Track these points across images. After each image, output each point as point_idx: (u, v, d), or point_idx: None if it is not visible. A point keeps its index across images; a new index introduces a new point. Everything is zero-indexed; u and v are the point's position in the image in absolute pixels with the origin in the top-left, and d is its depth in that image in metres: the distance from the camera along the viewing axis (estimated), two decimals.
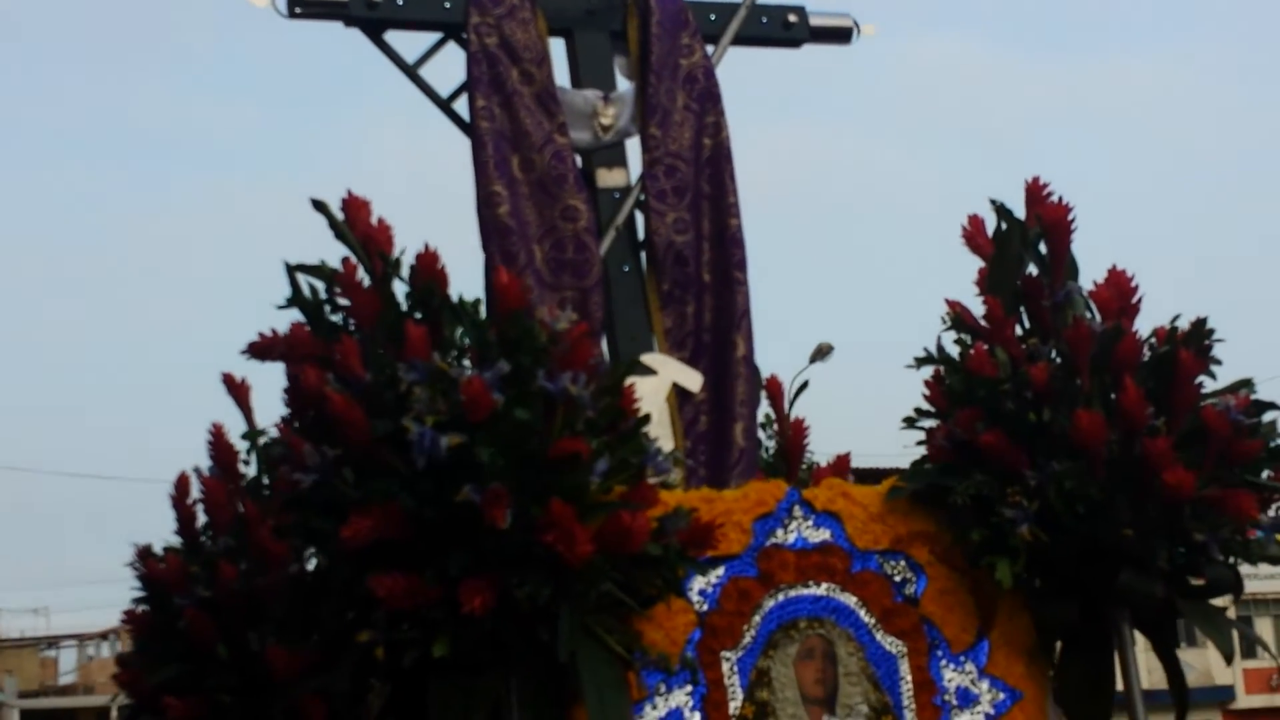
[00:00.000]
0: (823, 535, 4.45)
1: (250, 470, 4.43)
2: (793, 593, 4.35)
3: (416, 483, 3.43)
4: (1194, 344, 4.46)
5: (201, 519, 4.37)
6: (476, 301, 3.71)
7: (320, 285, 3.69)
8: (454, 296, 3.71)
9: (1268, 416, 4.51)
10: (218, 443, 4.32)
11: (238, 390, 4.41)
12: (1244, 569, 4.57)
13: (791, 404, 5.43)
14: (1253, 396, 4.49)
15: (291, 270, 3.67)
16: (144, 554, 4.33)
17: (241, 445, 4.42)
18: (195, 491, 4.37)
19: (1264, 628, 43.70)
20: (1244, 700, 41.23)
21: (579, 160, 5.33)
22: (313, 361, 3.52)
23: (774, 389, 5.21)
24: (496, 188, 5.05)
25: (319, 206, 3.68)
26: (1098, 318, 4.53)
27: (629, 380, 3.78)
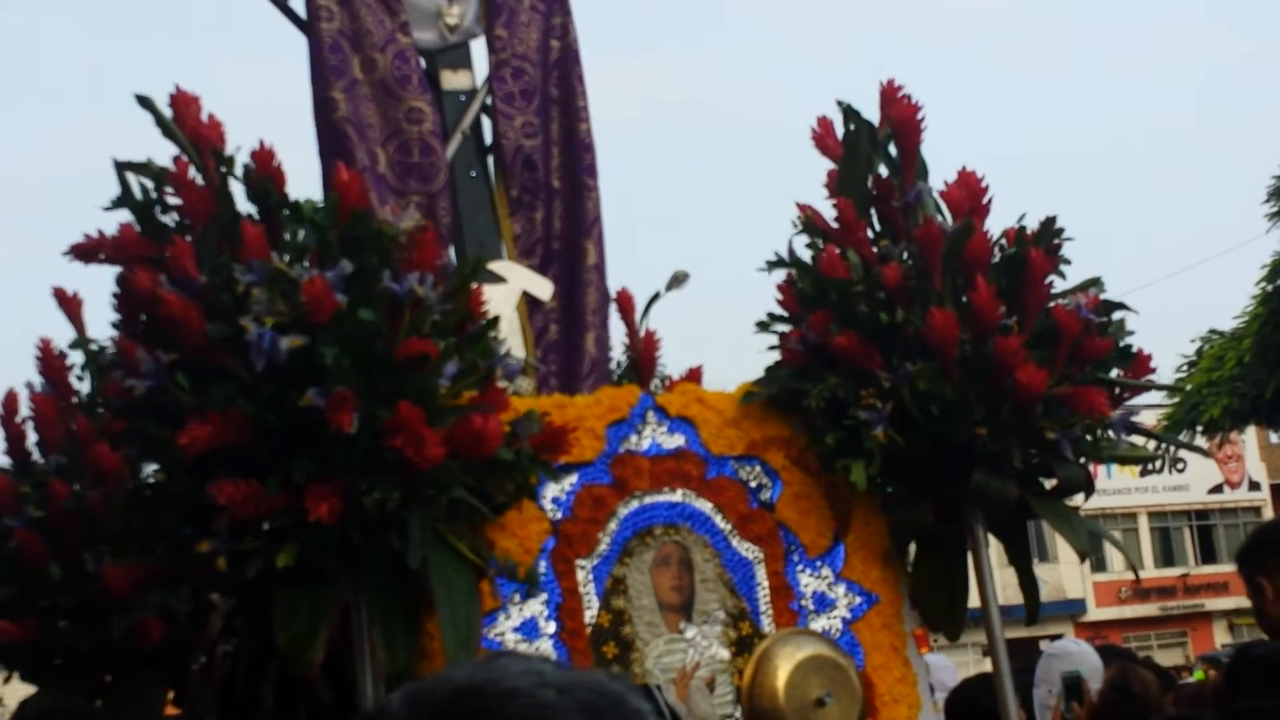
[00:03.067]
0: (677, 441, 4.41)
1: (85, 387, 4.27)
2: (648, 499, 4.30)
3: (257, 387, 3.29)
4: (1044, 243, 4.45)
5: (32, 437, 4.21)
6: (316, 201, 3.57)
7: (151, 185, 3.52)
8: (294, 198, 3.57)
9: (1117, 315, 4.53)
10: (46, 358, 4.15)
11: (69, 304, 4.25)
12: (1096, 486, 4.61)
13: (643, 318, 5.36)
14: (1102, 295, 4.51)
15: (120, 168, 3.49)
16: None
17: (77, 361, 4.26)
18: (25, 409, 4.21)
19: None
20: (1095, 613, 42.33)
21: (423, 61, 5.16)
22: (144, 263, 3.36)
23: (624, 302, 5.13)
24: (334, 92, 4.88)
25: (144, 103, 3.50)
26: (949, 218, 4.51)
27: (476, 283, 3.68)
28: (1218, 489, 47.60)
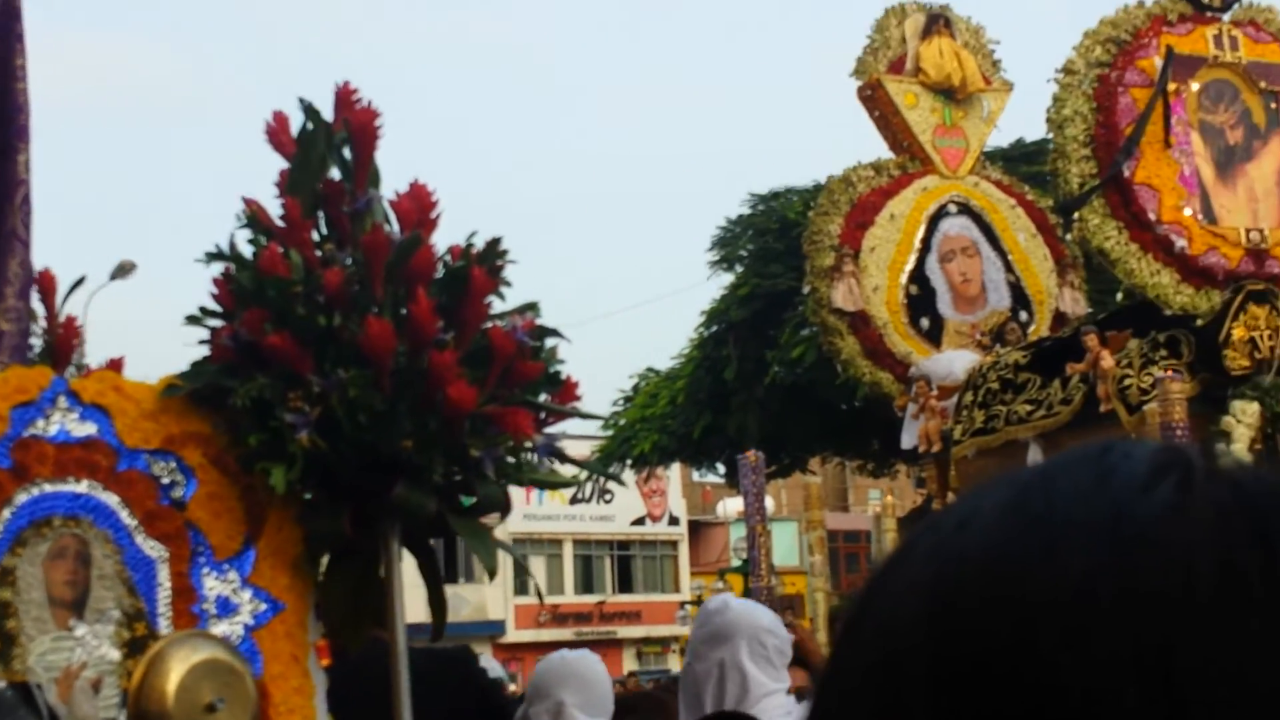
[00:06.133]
0: (88, 429, 4.16)
1: None
2: (49, 488, 4.04)
3: None
4: (487, 262, 4.49)
5: None
6: None
7: None
8: None
9: (550, 341, 4.62)
10: None
11: None
12: (526, 512, 4.68)
13: (65, 300, 5.06)
14: (537, 320, 4.58)
15: None
16: None
17: None
18: None
19: (538, 566, 46.14)
20: (513, 634, 43.47)
21: None
22: None
23: (46, 283, 4.82)
24: None
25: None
26: (397, 228, 4.48)
27: None
28: (640, 521, 49.86)
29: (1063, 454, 0.79)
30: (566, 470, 4.91)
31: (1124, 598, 0.71)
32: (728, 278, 23.07)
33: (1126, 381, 11.07)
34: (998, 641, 0.73)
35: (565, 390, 4.58)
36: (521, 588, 42.58)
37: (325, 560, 4.51)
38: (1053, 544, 0.74)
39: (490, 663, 5.40)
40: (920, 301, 14.05)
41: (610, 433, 25.40)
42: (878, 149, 14.89)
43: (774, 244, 21.06)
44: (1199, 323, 11.12)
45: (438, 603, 4.56)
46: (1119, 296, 11.90)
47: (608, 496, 45.60)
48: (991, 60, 15.30)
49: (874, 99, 14.69)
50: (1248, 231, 11.36)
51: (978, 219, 14.51)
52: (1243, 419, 10.73)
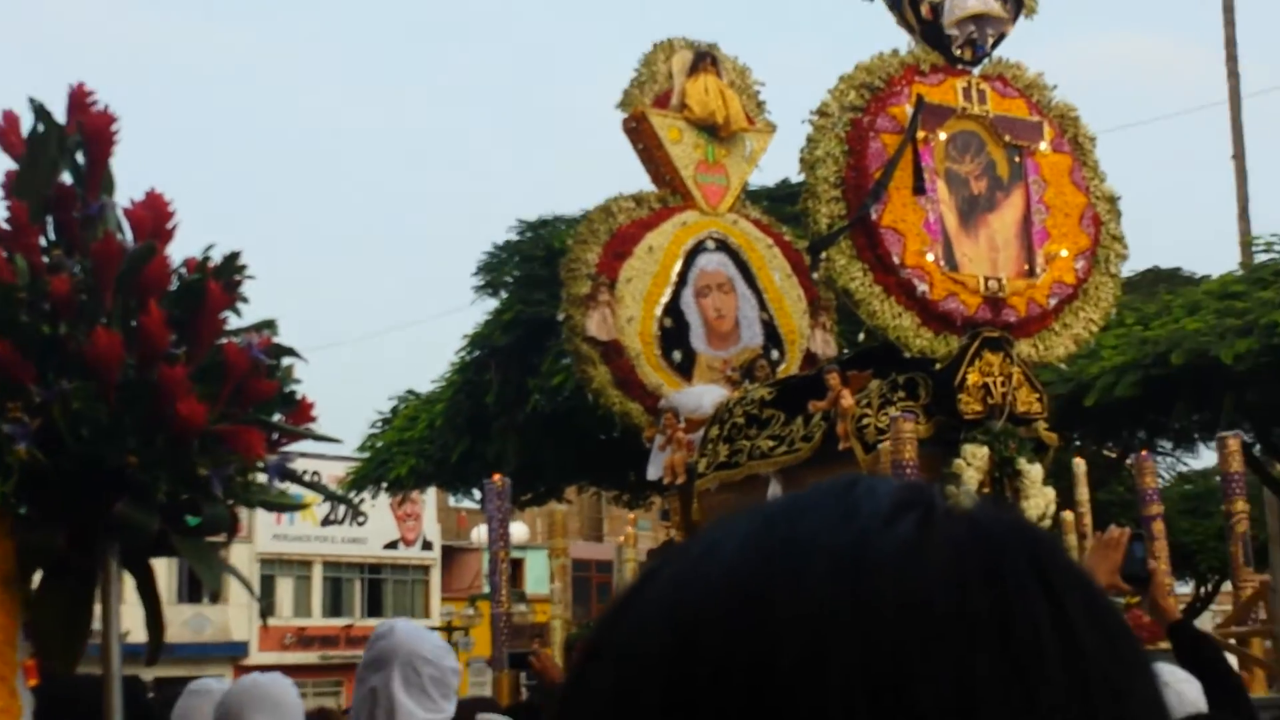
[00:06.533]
0: None
1: None
2: None
3: None
4: (224, 277, 4.40)
5: None
6: None
7: None
8: None
9: (286, 360, 4.55)
10: None
11: None
12: (275, 532, 4.59)
13: None
14: (274, 339, 4.50)
15: None
16: None
17: None
18: None
19: (286, 587, 45.35)
20: (257, 656, 42.51)
21: None
22: None
23: None
24: None
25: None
26: (131, 237, 4.37)
27: None
28: (393, 545, 49.36)
29: (811, 488, 0.82)
30: (305, 493, 4.83)
31: (862, 626, 0.72)
32: (492, 303, 23.08)
33: (865, 421, 11.27)
34: (737, 663, 0.73)
35: (300, 411, 4.50)
36: (267, 610, 41.75)
37: (38, 577, 4.36)
38: (796, 570, 0.75)
39: (224, 684, 5.26)
40: (674, 334, 14.16)
41: (367, 455, 25.15)
42: (644, 181, 15.00)
43: (540, 271, 21.11)
44: (937, 366, 11.35)
45: (155, 625, 4.44)
46: (860, 337, 12.12)
47: (360, 519, 45.06)
48: (756, 101, 15.51)
49: (639, 131, 14.80)
50: (987, 280, 11.64)
51: (735, 256, 14.68)
52: (973, 462, 11.01)
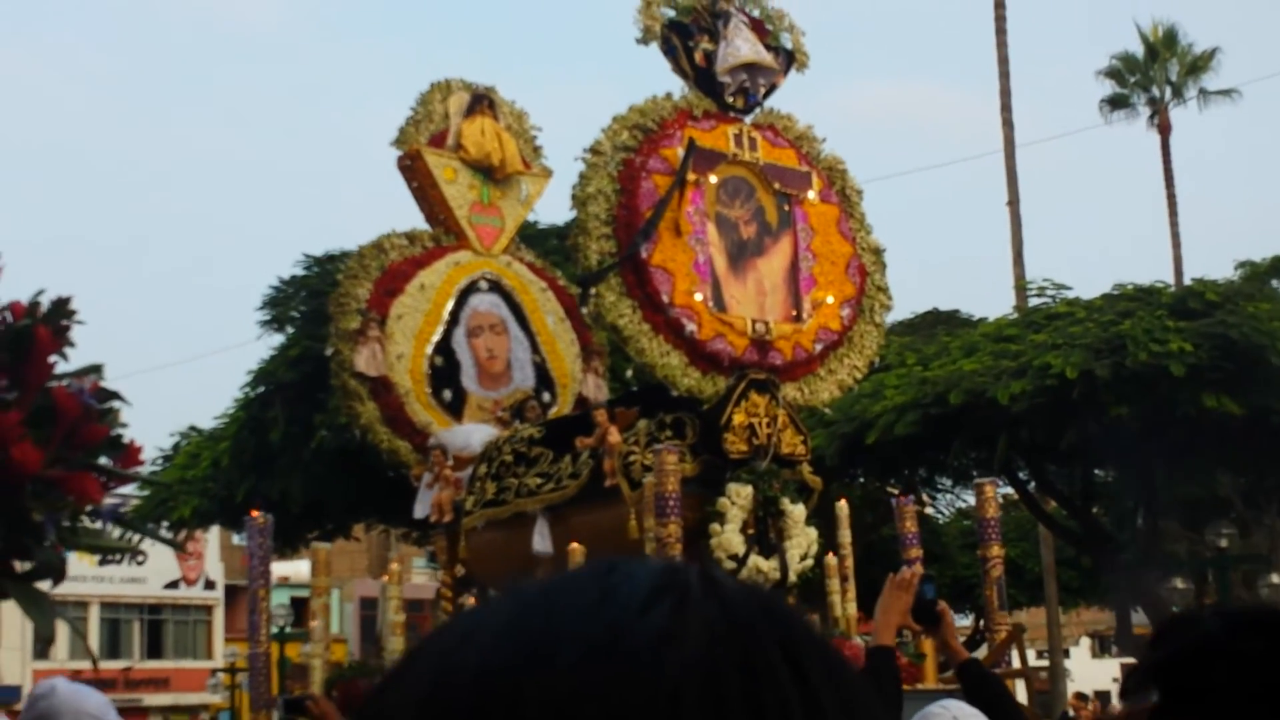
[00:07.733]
0: None
1: None
2: None
3: None
4: (53, 321, 4.56)
5: None
6: None
7: None
8: None
9: (115, 404, 4.69)
10: None
11: None
12: (88, 574, 4.61)
13: None
14: (101, 383, 4.65)
15: None
16: None
17: None
18: None
19: (61, 630, 44.18)
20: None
21: None
22: None
23: None
24: None
25: None
26: None
27: None
28: (174, 584, 48.25)
29: (570, 571, 0.82)
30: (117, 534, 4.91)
31: (612, 716, 0.73)
32: (278, 338, 22.73)
33: (632, 458, 11.45)
34: None
35: (128, 454, 4.67)
36: (41, 652, 40.64)
37: None
38: (547, 660, 0.75)
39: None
40: (444, 373, 14.07)
41: (147, 493, 24.25)
42: (419, 219, 14.97)
43: (326, 307, 21.01)
44: (704, 406, 11.52)
45: None
46: (629, 373, 12.35)
47: (140, 558, 44.09)
48: (533, 145, 15.61)
49: (413, 169, 14.76)
50: (754, 322, 11.88)
51: (508, 298, 14.71)
52: (737, 501, 11.21)
